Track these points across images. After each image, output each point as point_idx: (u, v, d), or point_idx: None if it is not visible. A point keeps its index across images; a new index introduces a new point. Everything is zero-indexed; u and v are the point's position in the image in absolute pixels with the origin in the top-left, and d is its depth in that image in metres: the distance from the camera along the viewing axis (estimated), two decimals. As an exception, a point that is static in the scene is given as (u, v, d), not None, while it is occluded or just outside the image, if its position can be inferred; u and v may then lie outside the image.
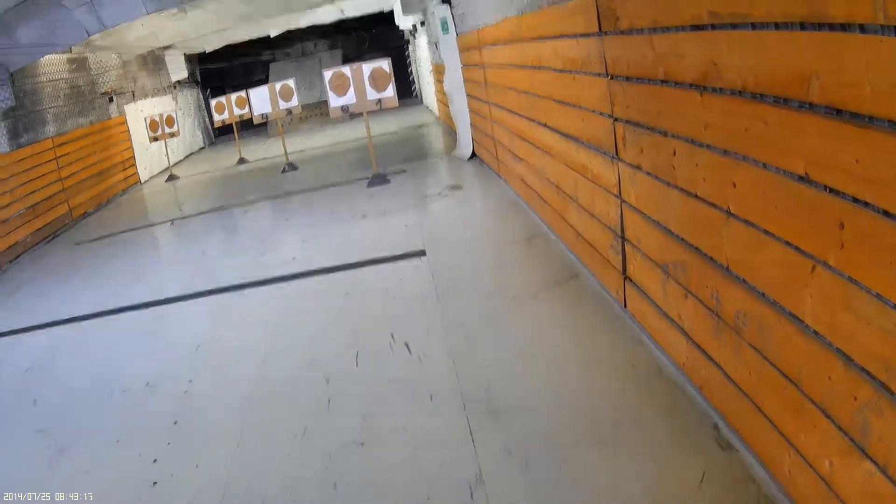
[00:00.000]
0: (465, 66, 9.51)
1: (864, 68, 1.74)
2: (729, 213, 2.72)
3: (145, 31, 12.71)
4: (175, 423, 4.12)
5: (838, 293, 2.02)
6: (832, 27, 1.84)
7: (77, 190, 12.08)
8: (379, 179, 9.80)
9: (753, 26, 2.26)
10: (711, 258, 2.95)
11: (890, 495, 1.85)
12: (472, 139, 10.13)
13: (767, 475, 2.66)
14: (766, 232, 2.45)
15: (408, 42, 22.18)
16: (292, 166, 13.03)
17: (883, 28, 1.64)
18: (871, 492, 1.93)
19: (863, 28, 1.72)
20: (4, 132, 10.13)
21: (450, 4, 9.66)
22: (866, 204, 1.84)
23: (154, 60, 17.98)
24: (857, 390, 1.96)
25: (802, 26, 1.98)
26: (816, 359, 2.18)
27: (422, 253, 6.26)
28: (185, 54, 19.89)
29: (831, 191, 1.99)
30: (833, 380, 2.09)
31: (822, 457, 2.19)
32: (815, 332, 2.18)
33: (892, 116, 1.68)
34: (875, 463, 1.90)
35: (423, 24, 14.81)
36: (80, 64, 13.18)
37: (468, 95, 9.77)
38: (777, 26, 2.12)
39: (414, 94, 23.48)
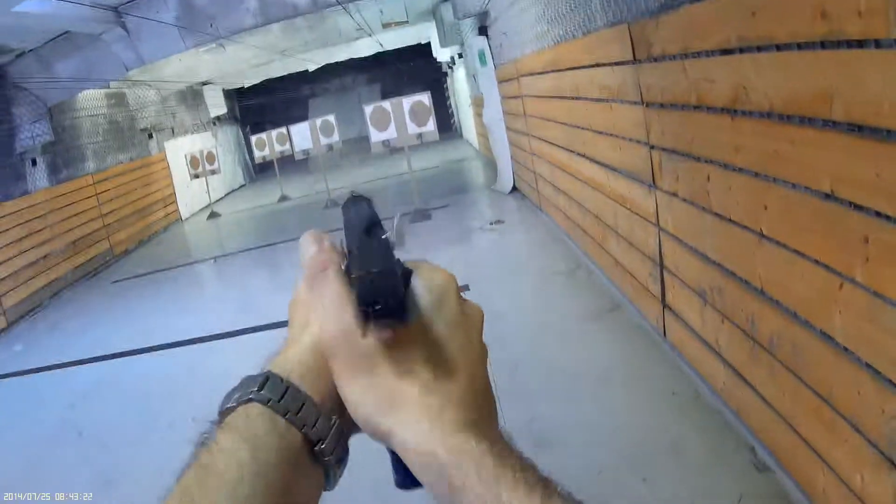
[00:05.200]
0: (504, 97, 9.59)
1: (881, 83, 1.78)
2: (762, 236, 2.74)
3: (183, 66, 12.77)
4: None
5: (865, 307, 2.03)
6: (850, 45, 1.88)
7: (118, 227, 12.13)
8: (421, 215, 9.89)
9: (778, 48, 2.31)
10: (747, 281, 2.96)
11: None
12: (513, 172, 10.19)
13: (803, 495, 2.65)
14: (796, 252, 2.47)
15: (446, 75, 22.05)
16: (335, 203, 12.93)
17: (897, 43, 1.69)
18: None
19: (878, 43, 1.76)
20: (44, 167, 10.27)
21: (487, 36, 9.70)
22: (888, 218, 1.87)
23: (193, 95, 17.96)
24: (885, 403, 1.96)
25: (823, 45, 2.02)
26: (846, 374, 2.18)
27: (465, 288, 6.29)
28: (223, 89, 19.90)
29: (856, 207, 2.02)
30: (862, 394, 2.09)
31: (854, 472, 2.19)
32: (845, 349, 2.19)
33: (908, 129, 1.71)
34: (903, 474, 1.91)
35: (460, 56, 14.76)
36: (118, 99, 13.27)
37: (508, 128, 9.83)
38: (800, 47, 2.16)
39: (453, 128, 23.21)
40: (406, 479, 0.54)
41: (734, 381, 3.26)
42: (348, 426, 0.56)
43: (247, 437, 0.51)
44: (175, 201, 15.26)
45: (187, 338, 6.62)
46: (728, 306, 3.23)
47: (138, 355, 6.46)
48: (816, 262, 2.32)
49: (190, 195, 15.86)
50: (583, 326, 5.04)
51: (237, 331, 6.54)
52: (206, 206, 15.83)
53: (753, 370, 3.03)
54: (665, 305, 4.21)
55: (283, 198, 15.74)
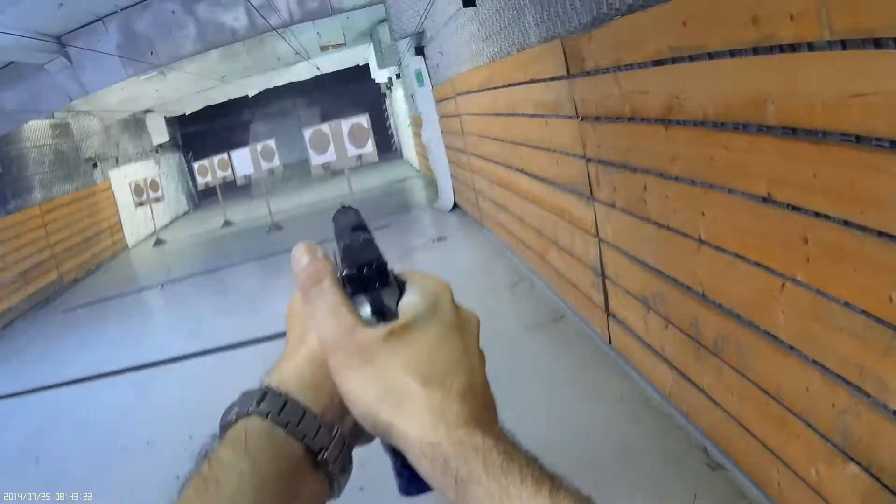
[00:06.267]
0: (442, 116, 9.65)
1: (814, 85, 1.84)
2: (701, 241, 2.80)
3: (126, 94, 12.79)
4: (178, 477, 4.08)
5: (809, 306, 2.09)
6: (783, 49, 1.94)
7: (66, 256, 12.10)
8: (362, 235, 9.81)
9: (710, 56, 2.37)
10: (688, 286, 3.02)
11: (876, 493, 1.89)
12: (453, 190, 10.23)
13: (759, 491, 2.69)
14: (736, 255, 2.52)
15: (385, 95, 22.21)
16: (277, 226, 13.04)
17: (830, 44, 1.74)
18: (858, 492, 1.98)
19: (811, 46, 1.82)
20: (-8, 199, 10.17)
21: (423, 56, 9.78)
22: (827, 217, 1.92)
23: (135, 124, 18.02)
24: (835, 397, 2.02)
25: (755, 51, 2.08)
26: (794, 372, 2.24)
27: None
28: (165, 117, 19.87)
29: (794, 208, 2.08)
30: (811, 390, 2.15)
31: (809, 466, 2.24)
32: (791, 347, 2.24)
33: (843, 129, 1.77)
34: (859, 464, 1.95)
35: (398, 76, 14.90)
36: (63, 129, 13.26)
37: (446, 146, 9.89)
38: (732, 54, 2.22)
39: (393, 148, 23.35)
40: (410, 484, 0.54)
41: (681, 384, 3.31)
42: (351, 436, 0.57)
43: (247, 449, 0.52)
44: (121, 229, 15.30)
45: (138, 363, 6.61)
46: (671, 311, 3.29)
47: (91, 382, 6.45)
48: (757, 263, 2.38)
49: (135, 223, 15.94)
50: (528, 337, 5.07)
51: (186, 355, 6.56)
52: (152, 234, 15.91)
53: (700, 372, 3.08)
54: (609, 313, 4.26)
55: (227, 223, 15.83)
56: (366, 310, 0.57)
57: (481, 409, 0.54)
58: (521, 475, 0.47)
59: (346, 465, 0.56)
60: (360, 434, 0.57)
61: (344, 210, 0.73)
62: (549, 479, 0.48)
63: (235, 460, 0.51)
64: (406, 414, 0.52)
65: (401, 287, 0.60)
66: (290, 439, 0.53)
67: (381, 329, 0.55)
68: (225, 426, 0.55)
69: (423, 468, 0.51)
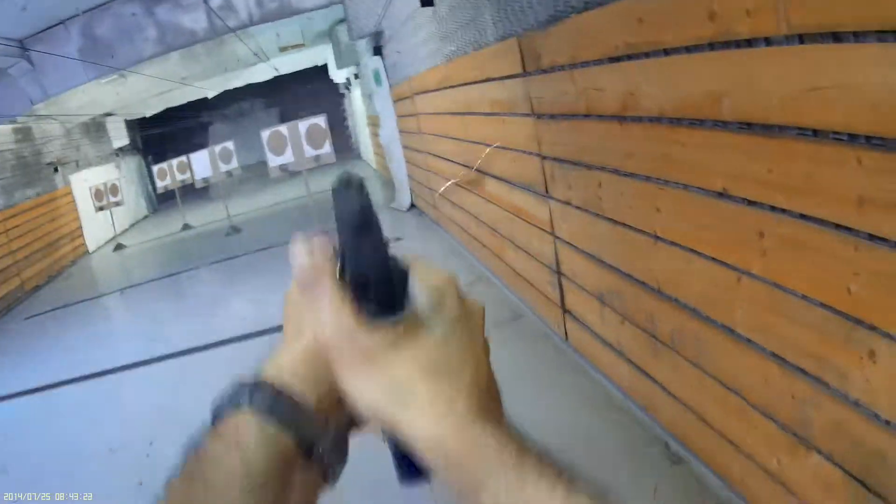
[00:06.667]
0: (400, 116, 9.63)
1: (771, 80, 1.86)
2: (656, 237, 2.82)
3: (87, 98, 12.61)
4: (140, 483, 4.04)
5: (765, 299, 2.11)
6: (739, 44, 1.96)
7: (28, 263, 11.93)
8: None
9: (666, 52, 2.39)
10: (643, 282, 3.04)
11: (838, 480, 1.92)
12: (411, 189, 10.22)
13: (720, 482, 2.72)
14: (692, 251, 2.55)
15: (343, 96, 22.21)
16: (235, 229, 12.89)
17: (787, 38, 1.76)
18: (821, 480, 2.00)
19: (768, 41, 1.84)
20: (-46, 206, 9.96)
21: (381, 56, 9.75)
22: (783, 210, 1.94)
23: (96, 128, 17.77)
24: (794, 388, 2.04)
25: (711, 47, 2.10)
26: (752, 364, 2.26)
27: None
28: (125, 120, 19.62)
29: (749, 203, 2.10)
30: (770, 382, 2.17)
31: (770, 457, 2.26)
32: (749, 340, 2.27)
33: (799, 123, 1.79)
34: (820, 453, 1.98)
35: (357, 76, 14.89)
36: (24, 134, 13.08)
37: (404, 146, 9.86)
38: (688, 50, 2.24)
39: (352, 149, 23.26)
40: (410, 474, 0.54)
41: (639, 379, 3.33)
42: (347, 426, 0.57)
43: (237, 444, 0.50)
44: (82, 235, 15.09)
45: (100, 370, 6.55)
46: (627, 307, 3.31)
47: (54, 389, 6.39)
48: (713, 258, 2.40)
49: (96, 228, 15.68)
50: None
51: (147, 360, 6.52)
52: (112, 238, 15.81)
53: (657, 367, 3.10)
54: (565, 310, 4.28)
55: (186, 226, 15.62)
56: (369, 308, 0.56)
57: (488, 402, 0.54)
58: (536, 469, 0.47)
59: (341, 455, 0.56)
60: (356, 423, 0.57)
61: (346, 186, 0.59)
62: (564, 472, 0.47)
63: (225, 455, 0.50)
64: (413, 411, 0.51)
65: (405, 276, 0.57)
66: (282, 433, 0.51)
67: (385, 333, 0.54)
68: (215, 418, 0.54)
69: (433, 463, 0.50)
